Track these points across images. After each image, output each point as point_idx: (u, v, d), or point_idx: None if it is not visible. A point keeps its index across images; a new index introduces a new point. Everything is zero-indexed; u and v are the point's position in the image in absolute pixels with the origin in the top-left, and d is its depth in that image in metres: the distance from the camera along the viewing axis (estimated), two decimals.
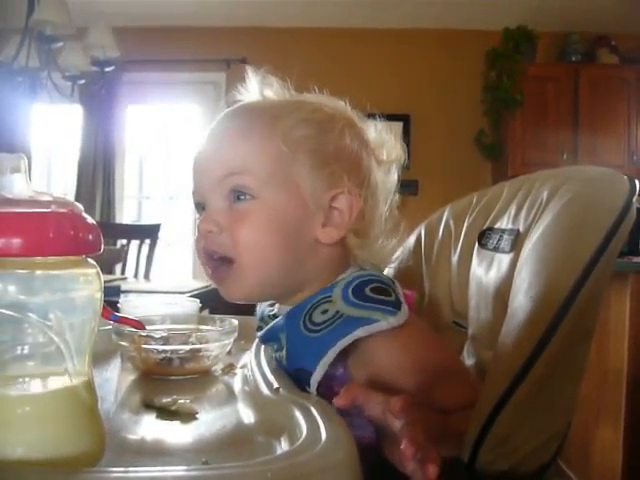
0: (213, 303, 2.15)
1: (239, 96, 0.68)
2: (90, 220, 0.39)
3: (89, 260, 0.40)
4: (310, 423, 0.43)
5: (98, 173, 4.09)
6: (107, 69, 2.64)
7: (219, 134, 0.64)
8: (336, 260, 0.64)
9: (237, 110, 0.65)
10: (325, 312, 0.58)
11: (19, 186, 0.38)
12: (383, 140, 0.69)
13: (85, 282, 0.39)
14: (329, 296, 0.60)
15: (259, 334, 0.69)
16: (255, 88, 0.67)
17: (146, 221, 4.06)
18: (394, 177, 0.69)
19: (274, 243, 0.60)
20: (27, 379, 0.38)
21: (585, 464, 1.98)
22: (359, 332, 0.56)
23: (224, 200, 0.62)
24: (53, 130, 4.35)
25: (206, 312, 1.42)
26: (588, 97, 3.81)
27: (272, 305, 0.72)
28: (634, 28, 3.81)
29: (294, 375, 0.59)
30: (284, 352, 0.61)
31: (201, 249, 0.63)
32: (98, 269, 0.40)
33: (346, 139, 0.63)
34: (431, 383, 0.57)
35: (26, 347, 0.38)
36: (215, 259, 0.62)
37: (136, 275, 2.86)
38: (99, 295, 0.40)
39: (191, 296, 1.46)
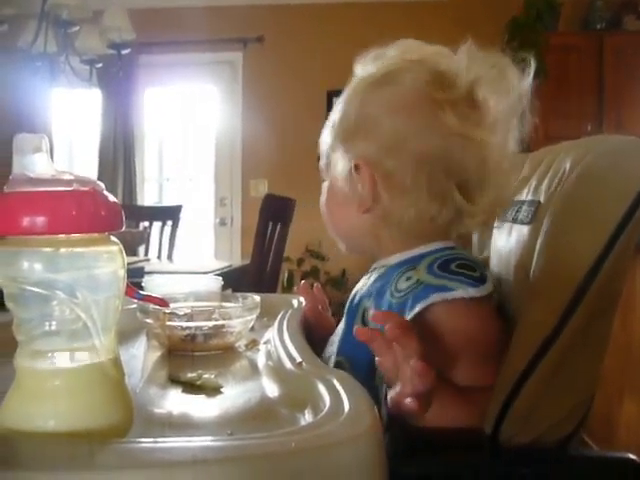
0: (235, 282, 2.17)
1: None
2: (112, 198, 0.40)
3: (112, 237, 0.41)
4: (333, 395, 0.44)
5: (119, 156, 4.13)
6: (124, 52, 2.64)
7: None
8: (387, 229, 0.67)
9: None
10: (409, 279, 0.62)
11: (41, 165, 0.39)
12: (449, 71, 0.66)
13: (108, 259, 0.40)
14: (414, 266, 0.64)
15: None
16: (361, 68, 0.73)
17: (167, 203, 4.10)
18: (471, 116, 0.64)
19: (337, 213, 0.72)
20: (56, 354, 0.39)
21: (610, 439, 1.96)
22: (434, 297, 0.58)
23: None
24: (73, 115, 4.38)
25: (229, 291, 1.43)
26: (613, 66, 3.70)
27: None
28: None
29: None
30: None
31: None
32: (121, 246, 0.41)
33: (361, 104, 0.67)
34: (474, 362, 0.59)
35: (53, 323, 0.39)
36: None
37: (159, 256, 2.89)
38: (122, 272, 0.41)
39: (214, 275, 1.47)
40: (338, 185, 0.69)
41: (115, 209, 0.40)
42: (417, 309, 0.58)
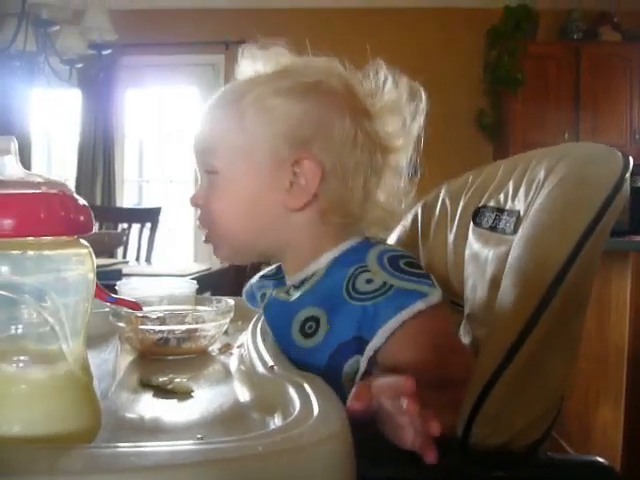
0: (214, 286, 2.16)
1: (236, 74, 0.71)
2: (81, 201, 0.40)
3: (81, 240, 0.40)
4: (303, 399, 0.44)
5: (98, 157, 4.08)
6: (104, 52, 2.62)
7: (200, 115, 0.69)
8: (315, 228, 0.65)
9: (218, 92, 0.70)
10: (370, 281, 0.60)
11: (10, 168, 0.38)
12: (374, 89, 0.68)
13: (77, 262, 0.39)
14: (364, 265, 0.62)
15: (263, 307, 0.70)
16: (247, 65, 0.70)
17: (147, 205, 4.06)
18: (393, 125, 0.68)
19: (239, 212, 0.65)
20: (22, 358, 0.38)
21: (586, 441, 1.99)
22: (419, 304, 0.58)
23: (204, 174, 0.68)
24: (52, 115, 4.33)
25: (207, 294, 1.43)
26: (590, 76, 3.78)
27: (276, 277, 0.74)
28: (637, 5, 3.76)
29: (330, 353, 0.60)
30: (324, 327, 0.61)
31: (197, 219, 0.71)
32: (90, 249, 0.40)
33: (308, 104, 0.64)
34: (444, 359, 0.60)
35: (20, 327, 0.38)
36: (202, 226, 0.70)
37: (137, 259, 2.87)
38: (92, 275, 0.41)
39: (192, 279, 1.46)
40: (249, 181, 0.64)
41: (84, 212, 0.39)
42: (403, 316, 0.57)
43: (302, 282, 0.66)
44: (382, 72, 0.68)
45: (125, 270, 2.02)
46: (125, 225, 3.01)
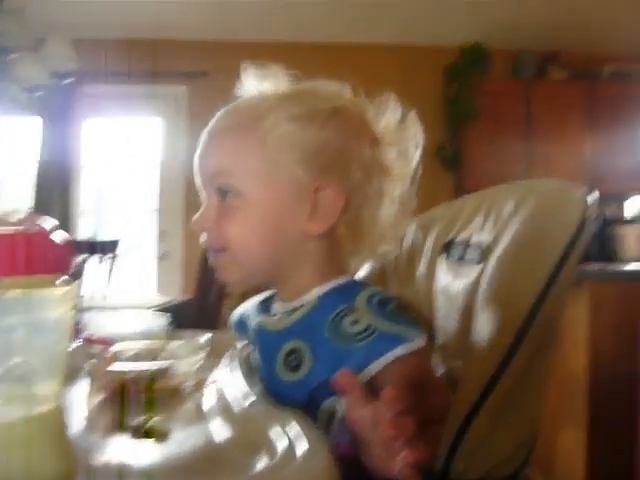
0: (179, 318, 2.12)
1: (239, 92, 0.71)
2: (61, 238, 0.39)
3: (60, 279, 0.39)
4: (287, 437, 0.43)
5: (56, 187, 3.99)
6: (66, 81, 2.59)
7: (209, 133, 0.68)
8: (323, 256, 0.66)
9: (229, 109, 0.69)
10: (355, 323, 0.60)
11: None
12: (385, 122, 0.69)
13: (56, 302, 0.38)
14: (352, 307, 0.61)
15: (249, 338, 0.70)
16: (252, 83, 0.70)
17: (106, 237, 3.97)
18: (393, 154, 0.69)
19: (259, 236, 0.64)
20: None
21: (549, 468, 2.01)
22: (399, 350, 0.57)
23: (215, 196, 0.66)
24: (10, 142, 4.22)
25: (175, 329, 1.40)
26: (540, 111, 3.96)
27: (264, 304, 0.73)
28: (582, 46, 3.98)
29: (309, 392, 0.60)
30: (308, 363, 0.61)
31: (202, 241, 0.68)
32: (70, 288, 0.39)
33: (330, 131, 0.64)
34: (421, 401, 0.59)
35: None
36: (213, 249, 0.67)
37: (97, 291, 2.79)
38: (70, 315, 0.39)
39: (157, 311, 1.43)
40: (270, 205, 0.64)
41: (64, 250, 0.38)
42: (382, 360, 0.58)
43: (292, 311, 0.65)
44: (378, 101, 0.70)
45: (85, 303, 1.96)
46: (84, 257, 2.93)
